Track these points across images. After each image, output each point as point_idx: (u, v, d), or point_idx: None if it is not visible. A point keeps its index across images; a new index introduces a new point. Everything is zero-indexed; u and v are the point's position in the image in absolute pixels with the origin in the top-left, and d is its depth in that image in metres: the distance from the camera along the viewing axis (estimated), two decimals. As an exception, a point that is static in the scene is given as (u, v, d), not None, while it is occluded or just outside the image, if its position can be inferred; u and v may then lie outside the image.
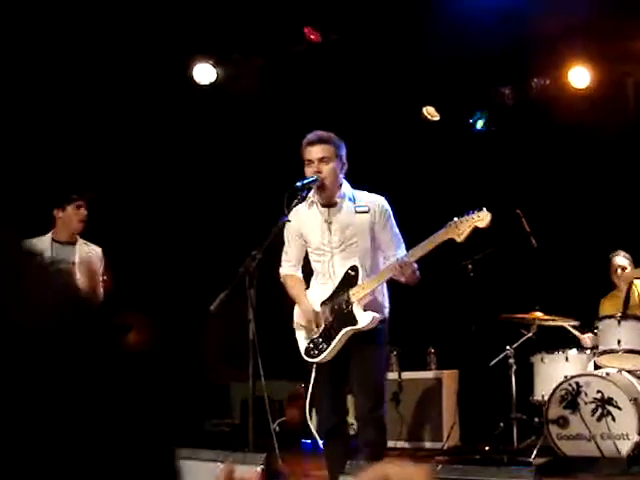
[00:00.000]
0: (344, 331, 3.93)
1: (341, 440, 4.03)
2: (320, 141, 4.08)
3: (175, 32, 6.87)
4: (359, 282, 3.94)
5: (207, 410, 8.27)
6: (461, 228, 3.76)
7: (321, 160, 4.05)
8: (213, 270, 6.73)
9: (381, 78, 7.50)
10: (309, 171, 4.07)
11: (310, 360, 4.05)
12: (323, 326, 4.02)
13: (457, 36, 6.73)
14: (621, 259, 6.42)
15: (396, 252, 4.02)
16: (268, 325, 4.34)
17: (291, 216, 4.13)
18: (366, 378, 3.94)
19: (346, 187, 4.16)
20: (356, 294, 3.93)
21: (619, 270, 6.40)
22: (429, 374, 7.25)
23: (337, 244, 4.05)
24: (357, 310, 3.92)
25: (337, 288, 4.01)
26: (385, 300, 4.11)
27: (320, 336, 4.02)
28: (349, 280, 3.97)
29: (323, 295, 4.08)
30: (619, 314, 5.80)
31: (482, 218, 3.74)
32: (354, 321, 3.93)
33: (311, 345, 4.05)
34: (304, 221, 4.16)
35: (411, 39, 6.92)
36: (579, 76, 7.47)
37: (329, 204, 4.12)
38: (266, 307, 4.25)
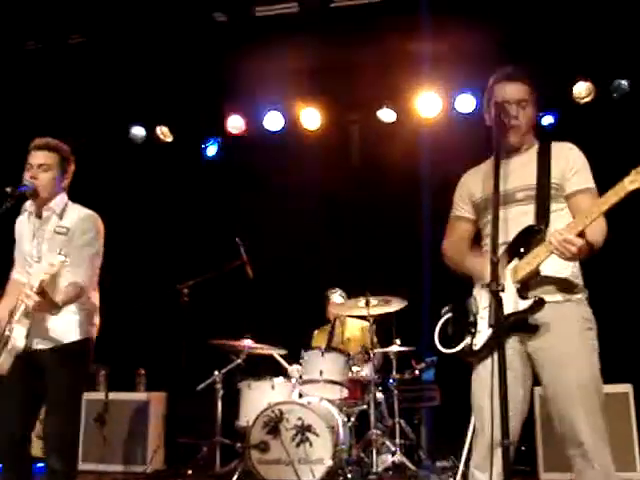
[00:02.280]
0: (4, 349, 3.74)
1: (21, 463, 3.80)
2: (46, 147, 3.91)
3: None
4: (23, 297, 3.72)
5: None
6: None
7: (40, 167, 3.88)
8: None
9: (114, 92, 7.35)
10: (27, 175, 3.88)
11: None
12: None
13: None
14: (336, 296, 6.84)
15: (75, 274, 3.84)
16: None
17: (17, 225, 3.98)
18: (54, 399, 3.76)
19: (60, 201, 3.97)
20: (18, 309, 3.72)
21: (332, 305, 6.80)
22: (137, 395, 7.12)
23: (34, 259, 3.91)
24: (16, 327, 3.71)
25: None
26: (73, 322, 3.89)
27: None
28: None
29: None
30: (323, 346, 6.12)
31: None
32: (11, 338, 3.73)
33: None
34: (21, 230, 4.00)
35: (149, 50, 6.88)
36: (310, 117, 7.82)
37: (39, 215, 3.96)
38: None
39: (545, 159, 3.17)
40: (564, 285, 3.09)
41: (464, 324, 3.18)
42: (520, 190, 3.16)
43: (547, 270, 3.05)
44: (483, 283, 3.10)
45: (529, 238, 3.07)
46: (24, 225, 4.00)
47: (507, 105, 3.18)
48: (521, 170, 3.20)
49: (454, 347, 3.18)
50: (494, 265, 2.77)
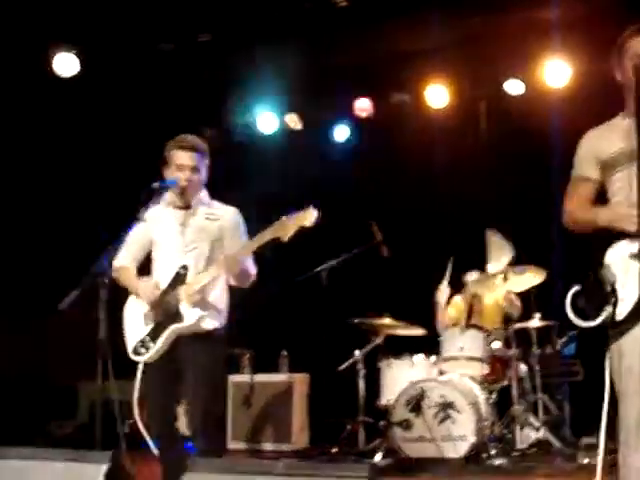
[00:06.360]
0: (171, 329, 3.92)
1: (174, 444, 4.02)
2: (193, 148, 4.08)
3: (33, 18, 6.58)
4: (188, 280, 3.95)
5: (52, 412, 7.97)
6: (287, 227, 3.75)
7: (192, 168, 4.06)
8: (59, 268, 6.59)
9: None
10: (179, 175, 4.04)
11: (137, 358, 4.03)
12: (152, 324, 4.01)
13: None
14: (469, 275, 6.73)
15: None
16: (119, 324, 4.27)
17: (148, 213, 4.06)
18: (199, 383, 3.93)
19: (204, 194, 4.21)
20: (184, 291, 3.93)
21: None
22: (281, 377, 7.31)
23: (185, 246, 4.07)
24: (184, 307, 3.93)
25: (168, 286, 4.01)
26: (221, 304, 4.10)
27: (148, 334, 4.00)
28: (179, 278, 3.99)
29: None
30: (462, 323, 6.10)
31: (307, 217, 3.73)
32: (180, 318, 3.93)
33: (139, 343, 4.02)
34: (156, 221, 4.14)
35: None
36: (437, 95, 7.77)
37: (185, 207, 4.15)
38: (117, 306, 4.20)
39: None
40: None
41: (600, 295, 3.08)
42: None
43: None
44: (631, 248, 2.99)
45: None
46: (165, 216, 4.15)
47: None
48: None
49: (593, 320, 3.08)
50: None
